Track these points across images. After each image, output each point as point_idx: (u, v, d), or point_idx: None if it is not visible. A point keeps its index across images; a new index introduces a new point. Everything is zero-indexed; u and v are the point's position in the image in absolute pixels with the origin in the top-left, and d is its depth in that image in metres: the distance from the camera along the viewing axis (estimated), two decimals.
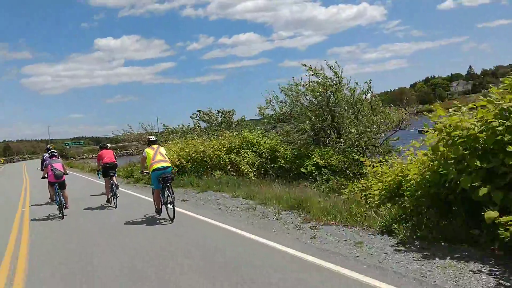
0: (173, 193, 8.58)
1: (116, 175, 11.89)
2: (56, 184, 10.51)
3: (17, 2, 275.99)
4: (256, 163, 15.64)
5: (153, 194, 9.20)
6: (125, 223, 8.90)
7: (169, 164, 8.94)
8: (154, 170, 8.76)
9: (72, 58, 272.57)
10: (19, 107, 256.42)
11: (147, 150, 9.09)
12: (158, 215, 9.07)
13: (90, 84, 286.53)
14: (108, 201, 11.64)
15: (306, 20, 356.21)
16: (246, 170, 15.22)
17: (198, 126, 23.43)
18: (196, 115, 23.32)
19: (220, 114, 23.17)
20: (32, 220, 10.47)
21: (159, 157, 8.89)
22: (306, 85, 16.34)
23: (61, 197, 10.41)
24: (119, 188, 12.17)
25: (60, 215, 10.34)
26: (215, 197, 11.74)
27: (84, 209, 11.47)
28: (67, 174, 11.05)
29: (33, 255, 6.85)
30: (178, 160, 15.95)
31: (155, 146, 9.17)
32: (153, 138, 9.57)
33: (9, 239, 8.25)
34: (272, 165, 15.65)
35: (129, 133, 27.43)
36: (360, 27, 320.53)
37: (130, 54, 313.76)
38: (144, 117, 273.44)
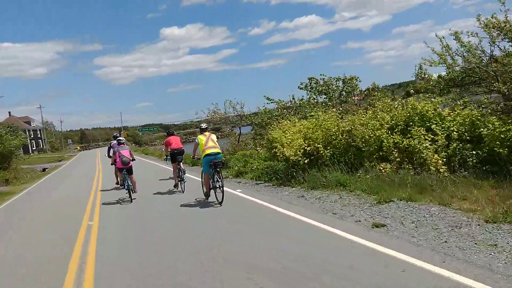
0: (222, 178, 9.16)
1: (182, 160, 12.28)
2: (124, 170, 11.26)
3: None
4: (445, 149, 9.03)
5: (202, 177, 9.78)
6: (188, 205, 9.72)
7: (219, 151, 9.49)
8: (206, 155, 9.32)
9: (139, 49, 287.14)
10: (93, 97, 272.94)
11: (200, 137, 9.69)
12: (206, 199, 9.68)
13: (157, 73, 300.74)
14: (176, 186, 12.12)
15: (370, 0, 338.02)
16: (431, 159, 8.93)
17: (313, 99, 18.08)
18: (308, 85, 17.47)
19: (341, 81, 17.51)
20: (103, 204, 11.44)
21: (210, 143, 9.46)
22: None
23: (129, 182, 11.15)
24: (186, 174, 12.67)
25: (129, 199, 11.10)
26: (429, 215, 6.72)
27: (154, 193, 12.13)
28: (134, 160, 11.65)
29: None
30: (308, 146, 11.20)
31: (207, 133, 9.76)
32: (204, 125, 10.07)
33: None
34: (473, 152, 9.12)
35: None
36: (427, 4, 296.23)
37: (194, 43, 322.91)
38: (207, 103, 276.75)
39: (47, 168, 36.78)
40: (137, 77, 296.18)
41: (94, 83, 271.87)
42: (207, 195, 9.69)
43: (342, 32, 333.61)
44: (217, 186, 9.15)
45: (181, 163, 12.06)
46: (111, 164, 12.38)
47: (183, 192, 11.61)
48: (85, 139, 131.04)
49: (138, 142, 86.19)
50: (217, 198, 9.28)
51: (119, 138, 12.42)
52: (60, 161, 48.71)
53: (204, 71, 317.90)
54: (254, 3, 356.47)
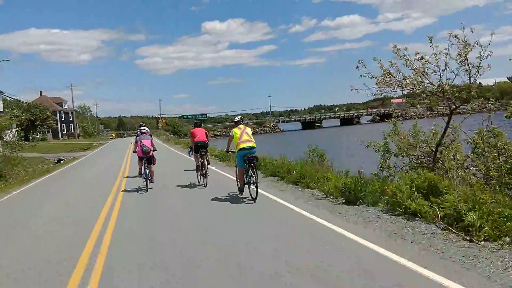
0: (256, 174, 9.19)
1: (206, 154, 12.45)
2: (144, 159, 11.83)
3: None
4: None
5: (236, 172, 9.94)
6: (211, 199, 9.69)
7: (254, 145, 9.48)
8: (240, 149, 9.39)
9: (181, 41, 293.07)
10: (133, 86, 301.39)
11: (235, 130, 9.72)
12: (240, 194, 9.76)
13: (197, 66, 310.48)
14: (198, 180, 12.45)
15: (416, 1, 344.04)
16: None
17: None
18: None
19: None
20: (124, 190, 12.11)
21: (245, 137, 9.49)
22: None
23: (147, 171, 11.77)
24: (211, 167, 13.23)
25: (145, 188, 11.73)
26: None
27: (176, 186, 12.45)
28: (156, 150, 12.36)
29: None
30: None
31: (241, 126, 9.79)
32: (237, 118, 10.23)
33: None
34: None
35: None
36: (477, 7, 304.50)
37: (234, 37, 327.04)
38: (244, 98, 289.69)
39: (62, 160, 31.93)
40: (176, 69, 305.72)
41: (136, 72, 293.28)
42: (241, 189, 9.72)
43: (384, 33, 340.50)
44: (251, 181, 9.16)
45: (205, 157, 12.02)
46: (133, 152, 12.73)
47: (205, 186, 11.69)
48: (122, 126, 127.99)
49: (177, 132, 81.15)
50: (251, 194, 9.31)
51: (142, 127, 13.05)
52: (86, 149, 45.02)
53: (242, 66, 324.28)
54: (297, 1, 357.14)
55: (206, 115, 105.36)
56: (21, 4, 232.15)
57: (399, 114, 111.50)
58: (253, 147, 9.35)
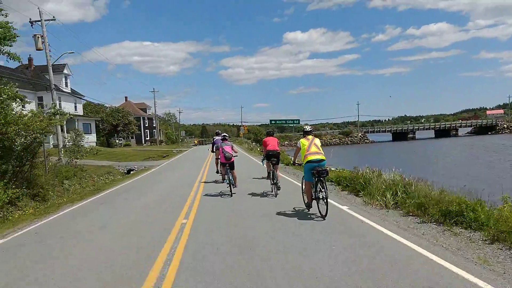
0: (326, 188, 8.73)
1: (278, 164, 12.82)
2: (227, 164, 12.48)
3: (220, 2, 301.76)
4: None
5: (303, 186, 9.72)
6: (277, 213, 9.42)
7: (323, 157, 9.02)
8: (307, 162, 8.98)
9: (263, 52, 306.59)
10: (216, 95, 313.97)
11: (302, 140, 9.35)
12: (307, 210, 9.44)
13: (277, 76, 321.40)
14: (271, 188, 12.68)
15: (510, 7, 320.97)
16: None
17: None
18: None
19: None
20: (204, 195, 12.74)
21: (314, 148, 9.03)
22: None
23: (231, 177, 12.39)
24: (284, 175, 14.10)
25: (229, 193, 12.31)
26: None
27: (248, 194, 12.52)
28: (237, 155, 13.02)
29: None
30: None
31: (310, 137, 9.33)
32: (308, 128, 9.73)
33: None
34: None
35: None
36: None
37: (315, 47, 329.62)
38: (325, 107, 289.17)
39: (133, 170, 29.15)
40: (258, 79, 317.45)
41: (219, 82, 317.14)
42: (308, 205, 9.41)
43: (475, 41, 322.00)
44: (320, 197, 8.76)
45: (277, 167, 12.46)
46: (216, 159, 14.23)
47: (275, 196, 11.81)
48: (205, 133, 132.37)
49: (260, 140, 76.35)
50: (319, 211, 8.83)
51: (223, 134, 13.92)
52: (164, 156, 42.55)
53: (323, 75, 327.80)
54: (381, 9, 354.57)
55: (298, 120, 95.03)
56: (117, 20, 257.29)
57: (505, 126, 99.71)
58: (322, 160, 8.97)
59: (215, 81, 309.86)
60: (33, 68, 46.14)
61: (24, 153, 15.21)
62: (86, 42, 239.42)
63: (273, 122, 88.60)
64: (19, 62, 24.24)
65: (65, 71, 47.10)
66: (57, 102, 47.42)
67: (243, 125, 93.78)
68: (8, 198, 12.37)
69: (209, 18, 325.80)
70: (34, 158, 15.82)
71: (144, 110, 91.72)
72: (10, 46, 23.18)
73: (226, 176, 12.40)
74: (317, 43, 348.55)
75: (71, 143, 24.06)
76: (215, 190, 13.60)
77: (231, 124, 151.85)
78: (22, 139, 14.88)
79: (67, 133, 45.50)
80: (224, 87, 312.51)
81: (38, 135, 15.01)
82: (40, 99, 41.37)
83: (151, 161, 36.79)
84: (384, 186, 10.33)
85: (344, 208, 9.72)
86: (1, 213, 11.58)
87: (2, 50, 23.22)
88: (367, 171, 12.31)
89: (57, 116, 17.66)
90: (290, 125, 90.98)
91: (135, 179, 20.98)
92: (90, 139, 47.22)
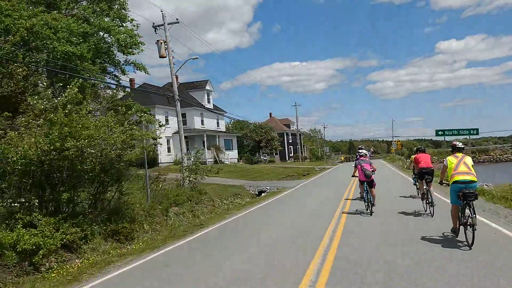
0: (475, 214, 7.82)
1: (432, 181, 12.18)
2: (365, 182, 12.18)
3: (368, 17, 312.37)
4: None
5: (451, 210, 8.86)
6: (421, 238, 8.83)
7: (474, 179, 8.17)
8: (454, 182, 8.27)
9: (413, 63, 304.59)
10: (363, 110, 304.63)
11: (449, 158, 8.63)
12: (454, 235, 8.78)
13: (430, 87, 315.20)
14: (424, 208, 12.19)
15: None
16: None
17: None
18: None
19: None
20: (346, 212, 12.74)
21: (462, 168, 8.21)
22: None
23: (370, 195, 12.10)
24: (439, 195, 13.04)
25: (368, 211, 12.10)
26: None
27: (399, 212, 12.22)
28: (375, 172, 12.58)
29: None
30: None
31: (459, 154, 8.52)
32: (460, 144, 8.81)
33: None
34: None
35: None
36: None
37: (473, 55, 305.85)
38: (484, 119, 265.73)
39: (265, 192, 25.38)
40: (408, 91, 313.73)
41: (366, 97, 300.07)
42: (454, 231, 8.71)
43: None
44: (468, 223, 7.90)
45: (430, 184, 11.83)
46: (352, 176, 13.52)
47: (431, 216, 11.24)
48: (352, 149, 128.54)
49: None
50: (466, 239, 8.05)
51: (360, 150, 13.45)
52: (305, 175, 39.37)
53: (483, 85, 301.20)
54: None
55: (477, 129, 74.75)
56: (268, 45, 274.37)
57: None
58: (472, 181, 8.14)
59: (363, 96, 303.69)
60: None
61: (105, 176, 11.78)
62: (240, 66, 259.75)
63: (440, 133, 75.69)
64: (145, 72, 22.87)
65: (207, 87, 48.00)
66: (200, 119, 46.09)
67: (396, 140, 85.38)
68: (62, 240, 9.08)
69: (357, 34, 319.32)
70: (121, 182, 12.48)
71: (288, 126, 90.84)
72: (133, 54, 21.28)
73: (364, 193, 12.33)
74: (474, 51, 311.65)
75: (191, 161, 20.81)
76: (361, 223, 10.89)
77: (381, 139, 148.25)
78: (92, 159, 10.89)
79: (207, 149, 43.72)
80: (371, 101, 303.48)
81: (119, 151, 11.46)
82: (184, 115, 42.06)
83: (288, 180, 33.14)
84: None
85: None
86: (47, 263, 8.39)
87: (127, 60, 21.84)
88: None
89: (143, 127, 15.04)
90: (465, 135, 76.18)
91: (261, 205, 17.15)
92: (231, 155, 46.48)
